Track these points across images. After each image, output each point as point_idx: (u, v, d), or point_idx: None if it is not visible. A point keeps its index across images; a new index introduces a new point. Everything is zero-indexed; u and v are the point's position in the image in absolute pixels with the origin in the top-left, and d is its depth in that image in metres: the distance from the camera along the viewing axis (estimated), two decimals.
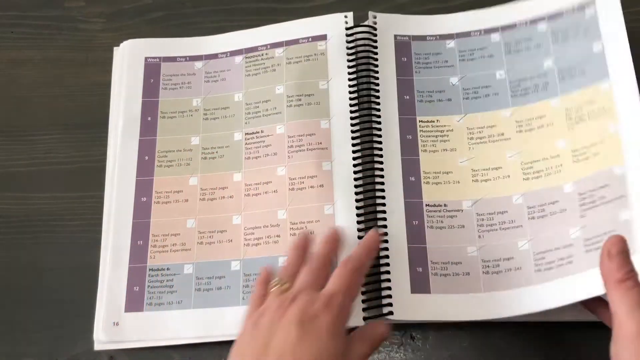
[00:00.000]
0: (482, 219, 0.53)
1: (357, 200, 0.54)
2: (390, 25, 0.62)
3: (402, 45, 0.61)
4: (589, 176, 0.51)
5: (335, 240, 0.46)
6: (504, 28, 0.60)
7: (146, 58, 0.63)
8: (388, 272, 0.52)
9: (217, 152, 0.59)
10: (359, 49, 0.61)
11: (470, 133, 0.57)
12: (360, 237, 0.53)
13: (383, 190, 0.54)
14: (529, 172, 0.54)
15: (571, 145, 0.53)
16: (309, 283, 0.40)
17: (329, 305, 0.37)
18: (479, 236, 0.53)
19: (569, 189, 0.52)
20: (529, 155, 0.54)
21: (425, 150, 0.57)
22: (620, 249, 0.37)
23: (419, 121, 0.58)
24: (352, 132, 0.57)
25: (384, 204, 0.54)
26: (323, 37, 0.62)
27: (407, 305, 0.51)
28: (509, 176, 0.54)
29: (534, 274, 0.50)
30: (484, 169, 0.55)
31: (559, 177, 0.52)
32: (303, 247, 0.46)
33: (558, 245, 0.50)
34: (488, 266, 0.52)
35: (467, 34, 0.61)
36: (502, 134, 0.56)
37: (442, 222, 0.54)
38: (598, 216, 0.50)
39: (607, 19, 0.55)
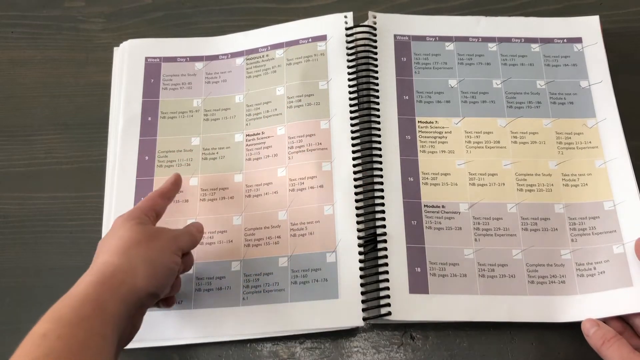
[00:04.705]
0: (479, 223, 0.54)
1: (356, 201, 0.55)
2: (390, 25, 0.62)
3: (402, 45, 0.61)
4: (580, 204, 0.55)
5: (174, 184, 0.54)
6: (500, 39, 0.62)
7: (146, 58, 0.63)
8: (387, 272, 0.52)
9: (217, 153, 0.59)
10: (359, 49, 0.61)
11: (468, 137, 0.57)
12: (360, 237, 0.53)
13: (382, 191, 0.55)
14: (522, 184, 0.56)
15: (561, 169, 0.56)
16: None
17: (126, 213, 0.48)
18: (475, 239, 0.53)
19: (560, 210, 0.54)
20: (523, 168, 0.56)
21: (424, 151, 0.57)
22: (594, 324, 0.48)
23: (418, 121, 0.58)
24: (352, 132, 0.57)
25: (383, 204, 0.54)
26: (323, 38, 0.62)
27: (405, 306, 0.51)
28: (504, 184, 0.56)
29: (527, 284, 0.52)
30: (480, 174, 0.56)
31: (550, 195, 0.55)
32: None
33: (550, 262, 0.53)
34: (484, 270, 0.52)
35: (465, 39, 0.62)
36: (498, 142, 0.57)
37: (440, 223, 0.54)
38: (590, 245, 0.53)
39: (593, 60, 0.60)
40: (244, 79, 0.62)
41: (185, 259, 0.49)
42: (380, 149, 0.56)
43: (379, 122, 0.57)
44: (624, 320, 0.50)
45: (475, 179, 0.56)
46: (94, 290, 0.40)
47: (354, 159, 0.56)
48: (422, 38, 0.62)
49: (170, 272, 0.45)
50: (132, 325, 0.44)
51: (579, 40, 0.61)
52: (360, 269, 0.52)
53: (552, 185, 0.56)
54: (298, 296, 0.52)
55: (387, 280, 0.52)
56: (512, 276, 0.52)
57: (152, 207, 0.49)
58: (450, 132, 0.58)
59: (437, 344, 0.52)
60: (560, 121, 0.58)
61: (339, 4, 0.67)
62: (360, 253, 0.53)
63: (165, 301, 0.50)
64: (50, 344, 0.36)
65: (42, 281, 0.57)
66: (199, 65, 0.63)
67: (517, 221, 0.54)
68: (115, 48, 0.65)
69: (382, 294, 0.51)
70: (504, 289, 0.52)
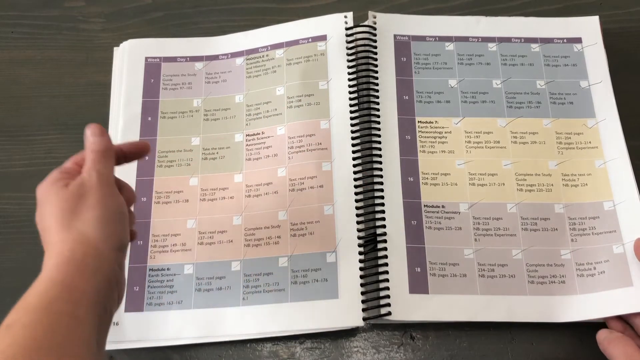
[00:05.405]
0: (479, 223, 0.54)
1: (356, 201, 0.55)
2: (390, 25, 0.62)
3: (402, 45, 0.61)
4: (579, 204, 0.55)
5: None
6: (500, 39, 0.62)
7: (146, 58, 0.63)
8: (387, 272, 0.52)
9: (217, 153, 0.59)
10: (359, 49, 0.61)
11: (468, 137, 0.57)
12: (360, 237, 0.53)
13: (382, 191, 0.55)
14: (522, 184, 0.56)
15: (561, 169, 0.56)
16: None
17: (46, 179, 0.42)
18: (475, 239, 0.53)
19: (560, 210, 0.54)
20: (523, 168, 0.56)
21: (424, 151, 0.57)
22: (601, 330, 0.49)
23: (418, 121, 0.58)
24: (352, 132, 0.57)
25: (383, 204, 0.54)
26: (323, 38, 0.62)
27: (405, 306, 0.51)
28: (504, 184, 0.56)
29: (527, 284, 0.52)
30: (480, 174, 0.56)
31: (550, 195, 0.55)
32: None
33: (550, 262, 0.53)
34: (484, 270, 0.52)
35: (465, 39, 0.62)
36: (498, 142, 0.57)
37: (440, 223, 0.54)
38: (590, 245, 0.53)
39: (593, 60, 0.60)
40: (244, 79, 0.62)
41: (123, 192, 0.44)
42: (380, 149, 0.56)
43: (379, 122, 0.57)
44: (624, 320, 0.50)
45: (475, 179, 0.56)
46: (58, 272, 0.37)
47: (354, 159, 0.56)
48: (422, 38, 0.62)
49: (121, 215, 0.41)
50: (116, 285, 0.40)
51: (578, 40, 0.61)
52: (360, 269, 0.52)
53: (552, 185, 0.56)
54: (298, 296, 0.52)
55: (387, 280, 0.52)
56: (512, 276, 0.52)
57: (72, 161, 0.44)
58: (450, 132, 0.58)
59: (437, 344, 0.52)
60: (560, 121, 0.58)
61: (339, 4, 0.67)
62: (360, 253, 0.53)
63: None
64: (14, 334, 0.35)
65: None
66: (199, 65, 0.63)
67: (517, 221, 0.54)
68: (115, 48, 0.65)
69: (382, 294, 0.51)
70: (503, 289, 0.52)
